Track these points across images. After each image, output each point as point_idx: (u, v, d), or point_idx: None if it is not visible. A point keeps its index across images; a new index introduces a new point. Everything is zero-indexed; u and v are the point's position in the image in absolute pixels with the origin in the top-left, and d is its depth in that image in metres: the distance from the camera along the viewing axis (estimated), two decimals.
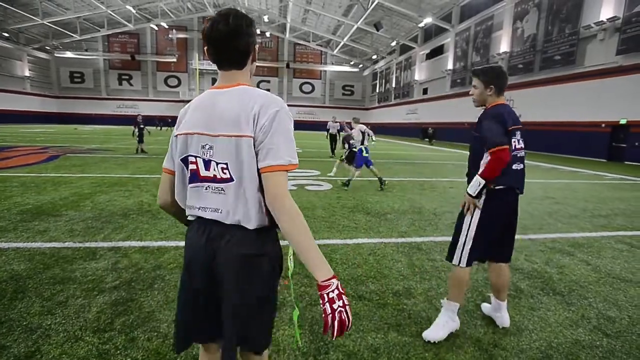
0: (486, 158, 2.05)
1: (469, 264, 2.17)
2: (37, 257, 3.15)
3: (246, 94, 1.06)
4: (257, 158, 1.03)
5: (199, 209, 1.12)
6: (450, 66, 30.91)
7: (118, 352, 1.92)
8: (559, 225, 4.90)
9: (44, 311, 2.27)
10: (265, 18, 43.93)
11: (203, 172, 1.10)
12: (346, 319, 0.94)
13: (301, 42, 49.96)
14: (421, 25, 32.18)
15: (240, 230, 1.07)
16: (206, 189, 1.10)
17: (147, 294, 2.53)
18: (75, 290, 2.53)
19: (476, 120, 2.20)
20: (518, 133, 2.15)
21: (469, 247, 2.15)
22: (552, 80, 20.19)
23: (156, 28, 45.91)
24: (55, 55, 45.69)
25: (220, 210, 1.08)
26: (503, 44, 23.91)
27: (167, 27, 45.87)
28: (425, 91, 36.58)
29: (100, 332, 2.08)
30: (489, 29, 25.59)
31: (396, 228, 4.44)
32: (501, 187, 2.10)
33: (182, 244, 3.54)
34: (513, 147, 2.10)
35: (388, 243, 3.86)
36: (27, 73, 42.60)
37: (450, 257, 2.23)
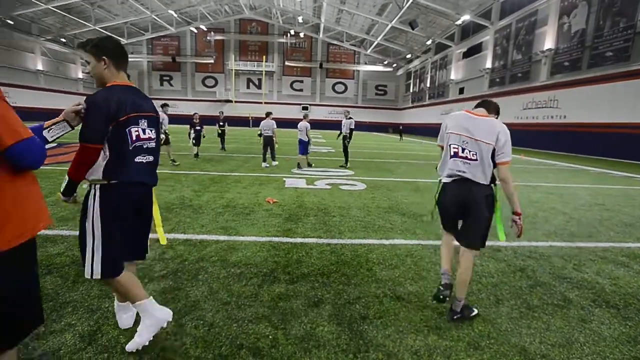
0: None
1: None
2: None
3: None
4: None
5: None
6: (488, 65, 29.72)
7: (168, 336, 2.04)
8: (611, 234, 4.58)
9: (102, 294, 2.45)
10: (300, 19, 44.36)
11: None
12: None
13: (334, 42, 49.99)
14: (458, 22, 31.19)
15: None
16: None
17: (192, 284, 2.66)
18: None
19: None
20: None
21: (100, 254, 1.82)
22: (602, 78, 18.85)
23: (195, 31, 47.70)
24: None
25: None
26: (547, 41, 22.64)
27: (205, 29, 47.53)
28: (461, 91, 35.42)
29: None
30: (531, 25, 24.33)
31: (433, 230, 4.35)
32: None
33: (222, 238, 3.70)
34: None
35: (425, 245, 3.79)
36: (80, 75, 45.72)
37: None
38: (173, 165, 9.10)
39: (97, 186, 1.80)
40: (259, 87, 52.23)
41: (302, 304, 2.44)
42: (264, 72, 50.71)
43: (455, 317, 2.32)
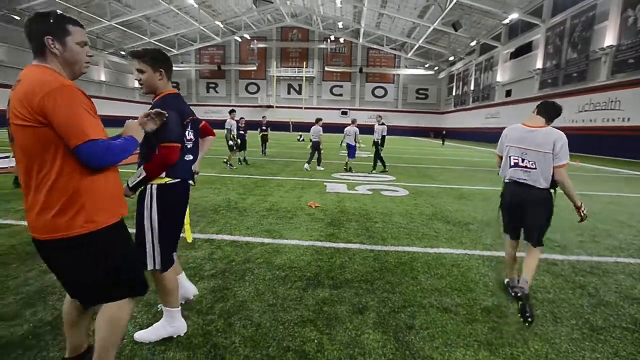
0: None
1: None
2: None
3: None
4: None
5: None
6: (539, 65, 27.95)
7: (219, 334, 2.13)
8: None
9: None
10: (340, 24, 44.66)
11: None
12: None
13: (374, 46, 49.69)
14: (506, 21, 29.69)
15: None
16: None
17: (239, 284, 2.75)
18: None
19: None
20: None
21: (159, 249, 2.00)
22: None
23: (240, 40, 49.69)
24: None
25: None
26: (608, 37, 20.86)
27: (249, 38, 49.35)
28: (508, 93, 33.60)
29: (203, 314, 2.33)
30: (589, 20, 22.56)
31: (480, 240, 4.16)
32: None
33: (267, 240, 3.80)
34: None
35: (472, 255, 3.64)
36: (136, 85, 49.12)
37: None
38: (230, 168, 9.63)
39: (155, 185, 1.95)
40: (299, 92, 53.18)
41: (347, 310, 2.43)
42: (304, 78, 51.58)
43: (519, 293, 2.44)
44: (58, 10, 1.45)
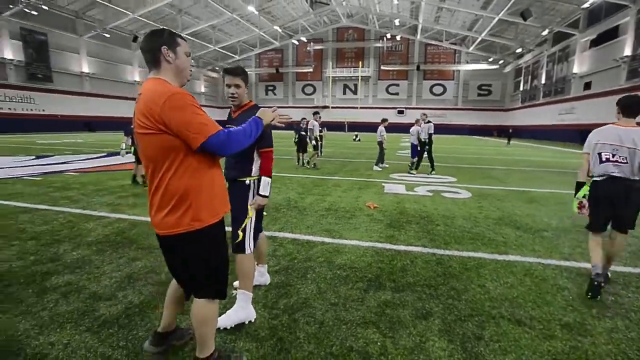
0: None
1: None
2: None
3: None
4: None
5: None
6: (627, 52, 24.58)
7: (284, 328, 2.22)
8: None
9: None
10: (396, 21, 43.64)
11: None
12: None
13: (432, 42, 47.74)
14: (585, 5, 26.66)
15: None
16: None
17: (302, 282, 2.84)
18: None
19: None
20: None
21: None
22: None
23: (297, 43, 50.99)
24: (222, 73, 55.64)
25: None
26: None
27: (305, 40, 50.48)
28: (587, 86, 30.06)
29: (269, 308, 2.45)
30: None
31: (556, 248, 3.81)
32: None
33: (327, 240, 3.86)
34: None
35: (547, 265, 3.34)
36: (202, 89, 53.85)
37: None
38: (314, 168, 9.95)
39: (254, 180, 2.33)
40: (354, 92, 53.07)
41: (410, 314, 2.39)
42: (359, 78, 51.34)
43: (603, 284, 2.73)
44: (168, 28, 1.67)
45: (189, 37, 40.60)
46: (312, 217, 4.79)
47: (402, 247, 3.67)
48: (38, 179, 7.83)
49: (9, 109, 29.43)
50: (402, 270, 3.08)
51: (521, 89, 44.45)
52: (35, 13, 29.10)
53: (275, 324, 2.27)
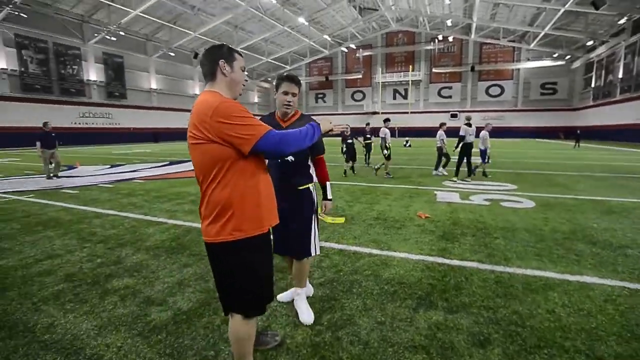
0: None
1: None
2: None
3: None
4: None
5: None
6: None
7: (326, 347, 2.12)
8: None
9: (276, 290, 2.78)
10: (449, 22, 42.02)
11: None
12: None
13: (488, 40, 45.10)
14: None
15: None
16: None
17: (347, 296, 2.73)
18: (292, 280, 3.00)
19: None
20: None
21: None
22: None
23: (346, 50, 51.33)
24: (274, 83, 57.86)
25: None
26: None
27: (355, 47, 50.60)
28: None
29: (311, 324, 2.37)
30: None
31: None
32: None
33: (375, 252, 3.71)
34: None
35: (635, 290, 2.86)
36: (256, 100, 56.60)
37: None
38: (388, 177, 9.49)
39: (312, 185, 2.44)
40: (404, 97, 51.94)
41: (465, 340, 2.16)
42: (410, 82, 50.16)
43: None
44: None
45: (243, 51, 42.78)
46: (359, 227, 4.66)
47: (455, 262, 3.39)
48: (110, 186, 8.64)
49: (93, 124, 33.52)
50: (456, 288, 2.84)
51: (593, 85, 40.14)
52: (114, 39, 32.73)
53: (317, 341, 2.18)
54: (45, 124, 10.63)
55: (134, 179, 9.82)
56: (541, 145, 28.52)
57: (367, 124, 13.05)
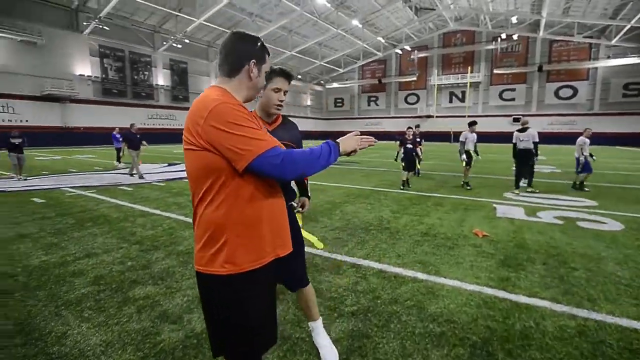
0: None
1: None
2: None
3: None
4: None
5: None
6: None
7: None
8: None
9: (295, 320, 2.43)
10: (513, 19, 38.85)
11: None
12: None
13: (560, 37, 40.84)
14: None
15: None
16: None
17: (382, 333, 2.28)
18: (319, 306, 2.61)
19: None
20: None
21: None
22: None
23: (400, 52, 49.88)
24: (326, 87, 58.38)
25: None
26: None
27: (409, 49, 48.97)
28: None
29: None
30: None
31: None
32: None
33: (420, 275, 3.20)
34: None
35: None
36: (308, 102, 57.49)
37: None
38: (468, 187, 8.30)
39: (297, 201, 2.16)
40: (461, 100, 49.10)
41: None
42: (468, 84, 47.32)
43: None
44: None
45: (297, 55, 43.57)
46: (405, 243, 4.14)
47: (522, 299, 2.75)
48: (162, 184, 8.97)
49: (159, 125, 36.58)
50: (522, 337, 2.24)
51: None
52: (179, 46, 35.16)
53: None
54: (132, 125, 11.50)
55: (185, 178, 10.14)
56: (625, 153, 25.00)
57: (417, 126, 11.58)
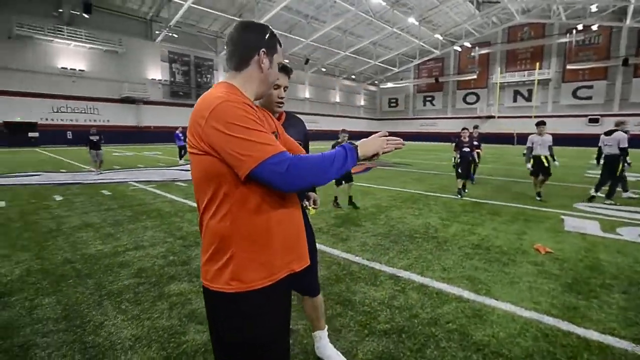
0: None
1: None
2: (334, 266, 3.46)
3: None
4: None
5: None
6: None
7: None
8: None
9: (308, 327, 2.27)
10: (593, 7, 34.69)
11: None
12: None
13: None
14: None
15: None
16: None
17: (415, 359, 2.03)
18: (350, 320, 2.43)
19: None
20: None
21: None
22: None
23: (459, 49, 47.30)
24: (380, 87, 57.47)
25: None
26: None
27: (469, 46, 46.18)
28: None
29: None
30: None
31: None
32: None
33: (466, 294, 2.86)
34: None
35: None
36: (362, 103, 57.33)
37: None
38: (540, 199, 7.08)
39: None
40: (528, 99, 45.17)
41: None
42: (536, 82, 43.40)
43: None
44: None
45: (352, 55, 43.41)
46: (452, 255, 3.77)
47: (593, 335, 2.29)
48: None
49: None
50: None
51: None
52: None
53: None
54: None
55: None
56: None
57: (475, 127, 10.21)
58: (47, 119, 27.49)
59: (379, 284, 3.01)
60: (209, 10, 30.48)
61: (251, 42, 1.19)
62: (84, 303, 2.71)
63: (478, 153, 9.60)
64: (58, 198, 6.92)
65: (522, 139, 40.70)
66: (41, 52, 26.86)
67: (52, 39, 26.78)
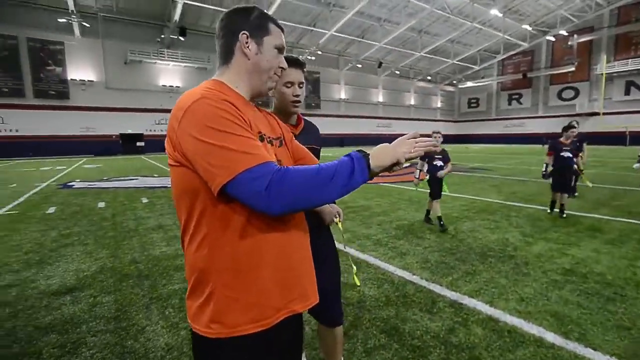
0: None
1: None
2: (386, 285, 3.09)
3: None
4: None
5: None
6: None
7: None
8: None
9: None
10: None
11: None
12: None
13: None
14: None
15: None
16: None
17: None
18: (393, 355, 2.07)
19: None
20: None
21: None
22: None
23: (553, 39, 41.86)
24: (459, 87, 54.04)
25: None
26: None
27: (566, 34, 40.46)
28: None
29: None
30: None
31: None
32: None
33: (551, 338, 2.12)
34: None
35: None
36: (438, 104, 55.05)
37: None
38: None
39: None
40: None
41: None
42: None
43: None
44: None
45: (428, 55, 41.55)
46: (534, 283, 3.10)
47: None
48: None
49: None
50: None
51: None
52: (313, 58, 38.08)
53: None
54: None
55: None
56: None
57: (575, 125, 6.23)
58: (150, 130, 31.81)
59: (436, 312, 2.57)
60: (286, 22, 31.91)
61: (233, 26, 0.98)
62: (135, 305, 2.81)
63: (581, 156, 7.22)
64: (144, 200, 7.68)
65: (635, 138, 34.32)
66: (147, 73, 31.52)
67: (155, 61, 31.32)
